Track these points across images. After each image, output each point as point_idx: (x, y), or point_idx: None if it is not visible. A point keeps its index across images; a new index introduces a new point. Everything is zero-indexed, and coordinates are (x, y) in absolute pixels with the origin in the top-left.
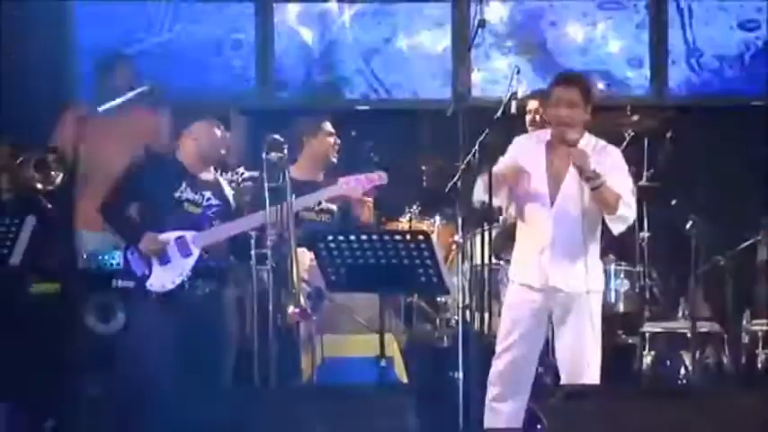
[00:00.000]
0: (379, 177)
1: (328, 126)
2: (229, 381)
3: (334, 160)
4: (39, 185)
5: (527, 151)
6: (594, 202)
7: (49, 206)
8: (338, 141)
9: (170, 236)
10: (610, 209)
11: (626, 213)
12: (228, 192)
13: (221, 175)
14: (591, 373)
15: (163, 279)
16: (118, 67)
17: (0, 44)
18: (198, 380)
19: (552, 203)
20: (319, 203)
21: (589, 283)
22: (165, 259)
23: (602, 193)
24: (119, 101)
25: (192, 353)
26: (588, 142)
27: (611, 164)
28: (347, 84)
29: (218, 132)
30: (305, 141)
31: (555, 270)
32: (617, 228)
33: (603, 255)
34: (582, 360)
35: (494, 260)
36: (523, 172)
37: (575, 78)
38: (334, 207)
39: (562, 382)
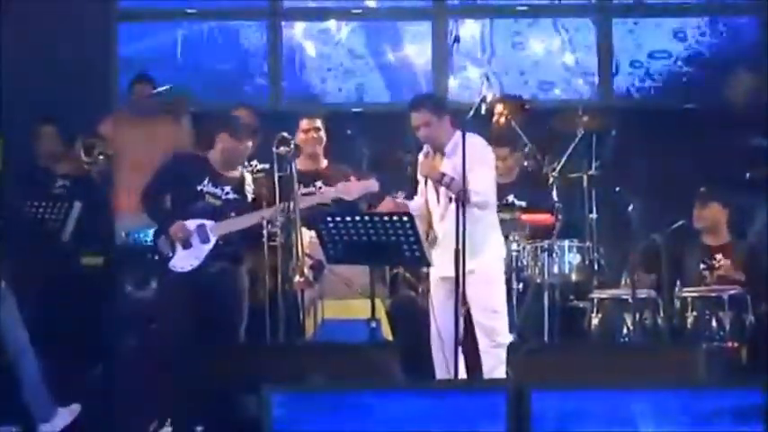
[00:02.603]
0: (372, 185)
1: (303, 124)
2: (241, 337)
3: (317, 152)
4: (86, 167)
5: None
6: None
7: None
8: (316, 136)
9: (192, 223)
10: (465, 201)
11: (477, 200)
12: (249, 187)
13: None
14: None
15: (183, 261)
16: (143, 82)
17: (56, 55)
18: (214, 337)
19: (438, 203)
20: None
21: (467, 264)
22: (187, 244)
23: (454, 190)
24: None
25: (206, 317)
26: (455, 139)
27: (469, 157)
28: (343, 89)
29: (237, 143)
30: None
31: (441, 256)
32: (478, 212)
33: (563, 236)
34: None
35: None
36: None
37: (421, 101)
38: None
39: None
